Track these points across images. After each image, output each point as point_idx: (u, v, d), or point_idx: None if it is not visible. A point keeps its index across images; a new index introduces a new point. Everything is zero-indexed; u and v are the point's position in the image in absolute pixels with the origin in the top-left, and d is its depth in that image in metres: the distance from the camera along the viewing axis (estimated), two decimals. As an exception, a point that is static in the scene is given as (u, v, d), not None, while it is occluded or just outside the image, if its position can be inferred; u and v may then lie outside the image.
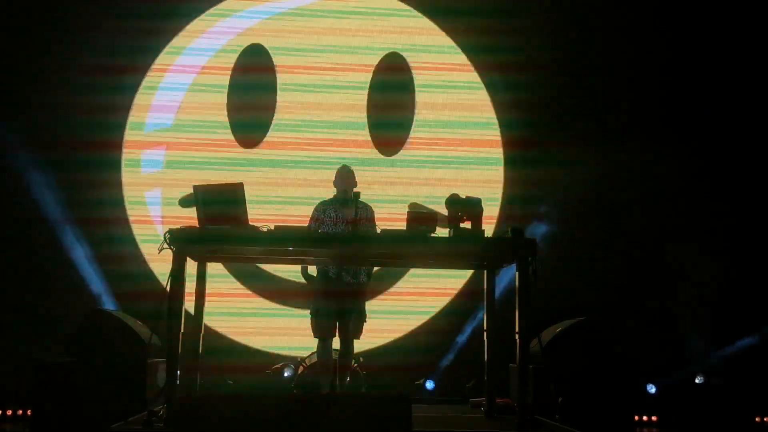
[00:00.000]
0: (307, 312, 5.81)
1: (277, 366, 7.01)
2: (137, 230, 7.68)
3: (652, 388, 7.09)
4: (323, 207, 5.83)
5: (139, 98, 7.90)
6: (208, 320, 5.48)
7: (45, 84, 7.54)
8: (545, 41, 8.11)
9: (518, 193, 8.03)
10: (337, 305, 5.64)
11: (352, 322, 5.69)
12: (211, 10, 8.12)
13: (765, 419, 7.14)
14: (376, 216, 5.88)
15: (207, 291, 5.39)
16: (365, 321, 5.78)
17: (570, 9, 8.17)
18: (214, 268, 5.85)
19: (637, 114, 7.97)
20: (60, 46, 7.63)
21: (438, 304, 7.82)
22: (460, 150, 8.06)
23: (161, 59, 7.97)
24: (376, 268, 6.16)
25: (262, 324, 7.57)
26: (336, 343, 5.81)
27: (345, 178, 5.79)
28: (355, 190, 5.53)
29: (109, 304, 7.23)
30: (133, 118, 7.86)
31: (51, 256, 7.36)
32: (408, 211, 4.97)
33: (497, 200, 8.00)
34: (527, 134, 8.04)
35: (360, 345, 6.05)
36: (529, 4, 8.17)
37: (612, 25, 8.07)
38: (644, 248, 7.83)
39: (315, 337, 5.71)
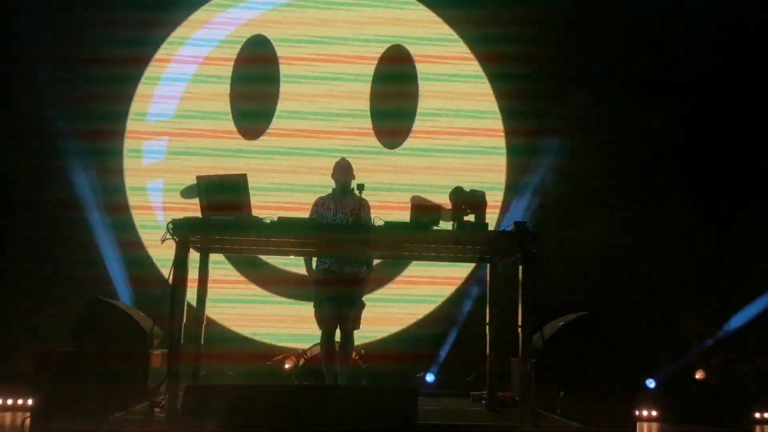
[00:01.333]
0: (309, 304, 5.81)
1: (278, 357, 7.02)
2: (138, 220, 7.70)
3: (651, 383, 7.10)
4: (322, 201, 5.81)
5: (142, 89, 7.92)
6: (209, 311, 5.47)
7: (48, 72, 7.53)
8: (544, 32, 8.10)
9: (521, 180, 8.07)
10: (338, 296, 5.63)
11: (352, 312, 5.68)
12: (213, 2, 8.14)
13: (763, 414, 7.16)
14: (375, 208, 5.84)
15: (209, 281, 5.38)
16: (363, 308, 5.77)
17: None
18: (217, 259, 5.85)
19: (642, 111, 7.98)
20: (64, 34, 7.66)
21: (439, 296, 7.83)
22: (462, 139, 8.10)
23: (164, 50, 8.00)
24: (377, 261, 6.13)
25: (263, 315, 7.59)
26: (338, 335, 5.80)
27: (344, 170, 5.77)
28: (357, 182, 5.51)
29: (123, 295, 7.26)
30: (135, 107, 7.88)
31: (53, 246, 7.35)
32: (411, 204, 4.96)
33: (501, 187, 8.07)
34: (529, 124, 8.06)
35: (360, 337, 6.05)
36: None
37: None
38: (645, 243, 7.84)
39: (320, 328, 5.71)
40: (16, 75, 7.54)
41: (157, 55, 7.98)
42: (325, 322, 5.68)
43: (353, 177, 5.77)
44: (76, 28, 7.67)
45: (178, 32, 8.03)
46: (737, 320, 7.67)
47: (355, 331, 5.76)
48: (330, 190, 5.87)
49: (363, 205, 5.48)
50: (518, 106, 8.14)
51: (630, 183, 7.98)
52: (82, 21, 7.68)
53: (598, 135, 7.92)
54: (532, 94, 8.01)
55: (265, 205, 5.11)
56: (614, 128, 7.98)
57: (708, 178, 7.93)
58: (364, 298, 5.78)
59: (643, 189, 7.98)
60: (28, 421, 5.48)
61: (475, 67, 8.25)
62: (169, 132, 7.89)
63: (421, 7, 8.31)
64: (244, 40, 8.07)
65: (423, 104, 8.16)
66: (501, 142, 8.17)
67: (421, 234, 4.95)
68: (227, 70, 8.00)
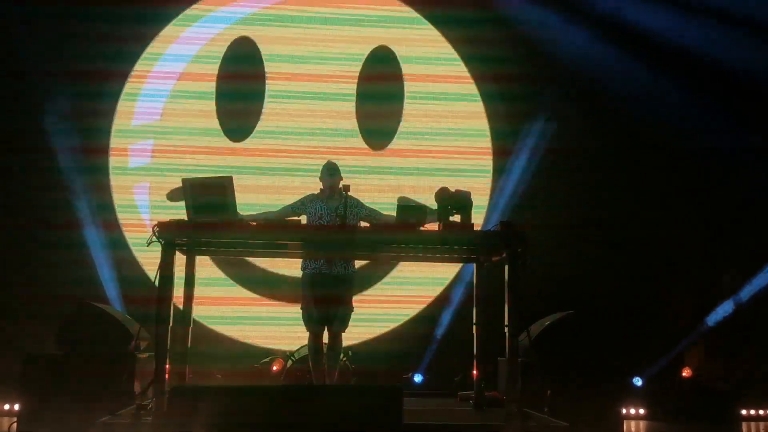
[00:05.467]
0: (296, 306, 5.80)
1: (265, 360, 7.01)
2: (124, 222, 7.67)
3: (638, 381, 7.14)
4: (310, 198, 5.80)
5: (122, 105, 7.91)
6: (196, 313, 5.46)
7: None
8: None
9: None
10: (326, 298, 5.62)
11: (339, 315, 5.68)
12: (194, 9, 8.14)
13: (750, 412, 7.21)
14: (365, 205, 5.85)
15: (195, 284, 5.37)
16: (351, 312, 5.77)
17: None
18: (203, 262, 5.84)
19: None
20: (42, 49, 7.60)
21: (427, 297, 7.83)
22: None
23: (143, 59, 7.98)
24: (365, 262, 6.14)
25: (250, 318, 7.57)
26: (325, 337, 5.80)
27: (330, 172, 5.76)
28: (343, 182, 5.52)
29: (110, 298, 7.23)
30: (117, 125, 7.88)
31: (40, 249, 7.32)
32: (397, 205, 4.98)
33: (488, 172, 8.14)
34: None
35: (349, 339, 6.05)
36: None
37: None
38: (631, 242, 7.89)
39: (307, 330, 5.70)
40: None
41: (136, 68, 7.97)
42: (313, 323, 5.67)
43: (341, 178, 5.75)
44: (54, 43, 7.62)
45: (156, 45, 8.02)
46: (718, 315, 7.75)
47: (342, 333, 5.77)
48: (318, 191, 5.86)
49: (349, 204, 5.48)
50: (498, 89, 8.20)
51: (616, 181, 8.02)
52: (57, 35, 7.64)
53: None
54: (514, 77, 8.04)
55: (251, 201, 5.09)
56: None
57: (693, 179, 8.00)
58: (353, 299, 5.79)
59: (628, 187, 8.02)
60: (14, 425, 5.45)
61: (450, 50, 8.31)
62: (154, 134, 7.87)
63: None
64: (227, 45, 8.07)
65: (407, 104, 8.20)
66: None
67: (407, 235, 4.96)
68: (213, 72, 8.00)
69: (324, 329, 5.70)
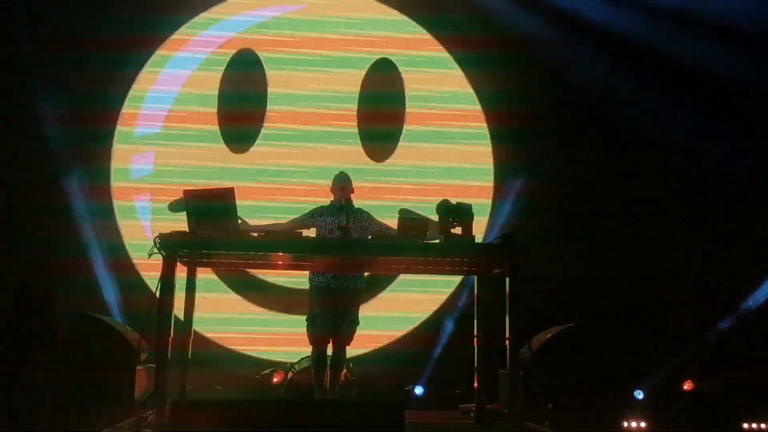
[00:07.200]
0: (297, 318, 5.78)
1: (266, 371, 6.99)
2: (126, 233, 7.66)
3: (639, 394, 7.11)
4: (320, 211, 5.77)
5: (127, 109, 7.92)
6: (196, 325, 5.46)
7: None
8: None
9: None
10: (332, 313, 5.60)
11: (345, 328, 5.65)
12: (200, 18, 8.17)
13: (752, 425, 7.17)
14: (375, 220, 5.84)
15: (196, 296, 5.37)
16: (357, 326, 5.75)
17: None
18: (204, 274, 5.84)
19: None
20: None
21: (427, 309, 7.82)
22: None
23: (149, 66, 8.02)
24: (366, 274, 6.13)
25: (251, 329, 7.55)
26: (328, 349, 5.78)
27: (341, 183, 5.75)
28: (348, 196, 5.53)
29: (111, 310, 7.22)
30: (121, 128, 7.89)
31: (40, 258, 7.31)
32: (399, 218, 4.98)
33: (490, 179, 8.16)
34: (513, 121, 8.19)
35: (350, 351, 6.03)
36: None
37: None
38: (632, 253, 7.89)
39: (311, 344, 5.67)
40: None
41: (142, 72, 7.99)
42: (318, 339, 5.63)
43: (352, 190, 5.71)
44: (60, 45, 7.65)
45: (160, 51, 8.05)
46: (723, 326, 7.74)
47: (346, 346, 5.75)
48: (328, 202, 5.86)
49: (359, 218, 5.48)
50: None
51: (615, 193, 8.03)
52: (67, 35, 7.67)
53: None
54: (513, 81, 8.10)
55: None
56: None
57: (692, 189, 8.00)
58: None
59: (628, 198, 8.03)
60: (14, 438, 5.44)
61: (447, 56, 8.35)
62: (156, 146, 7.89)
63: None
64: (230, 56, 8.10)
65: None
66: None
67: (408, 247, 4.96)
68: (214, 87, 8.03)
69: (328, 342, 5.67)
